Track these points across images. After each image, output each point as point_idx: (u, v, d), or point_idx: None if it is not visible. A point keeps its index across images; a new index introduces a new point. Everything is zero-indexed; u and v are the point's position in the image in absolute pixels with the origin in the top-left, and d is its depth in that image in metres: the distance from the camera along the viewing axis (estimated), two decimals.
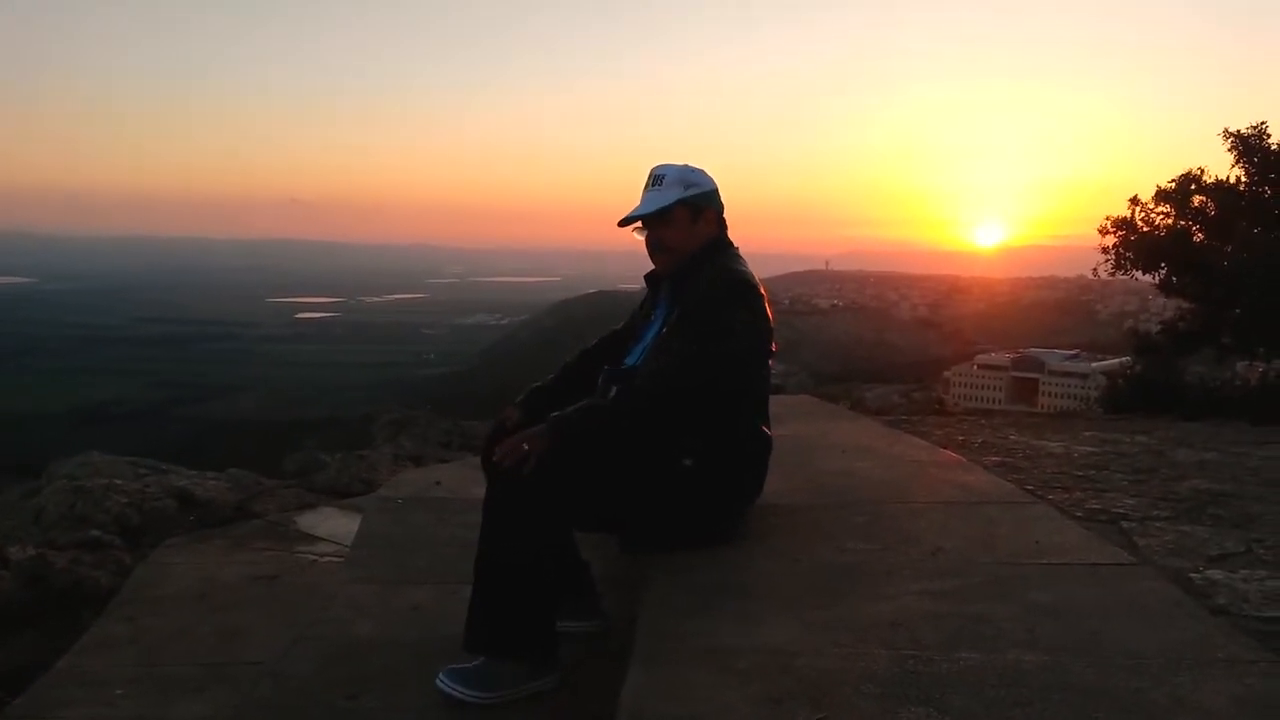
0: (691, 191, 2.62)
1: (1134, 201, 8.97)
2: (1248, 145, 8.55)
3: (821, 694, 1.73)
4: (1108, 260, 9.02)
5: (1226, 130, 8.71)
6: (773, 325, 2.66)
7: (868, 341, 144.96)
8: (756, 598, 2.21)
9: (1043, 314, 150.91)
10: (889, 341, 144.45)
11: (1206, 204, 8.82)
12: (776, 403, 5.69)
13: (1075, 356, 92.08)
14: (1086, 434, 4.37)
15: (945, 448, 3.95)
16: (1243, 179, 8.72)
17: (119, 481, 5.69)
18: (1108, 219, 8.96)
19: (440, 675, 2.37)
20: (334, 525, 5.19)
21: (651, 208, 2.60)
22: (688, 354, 2.42)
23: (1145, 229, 8.83)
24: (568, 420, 2.33)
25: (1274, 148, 8.56)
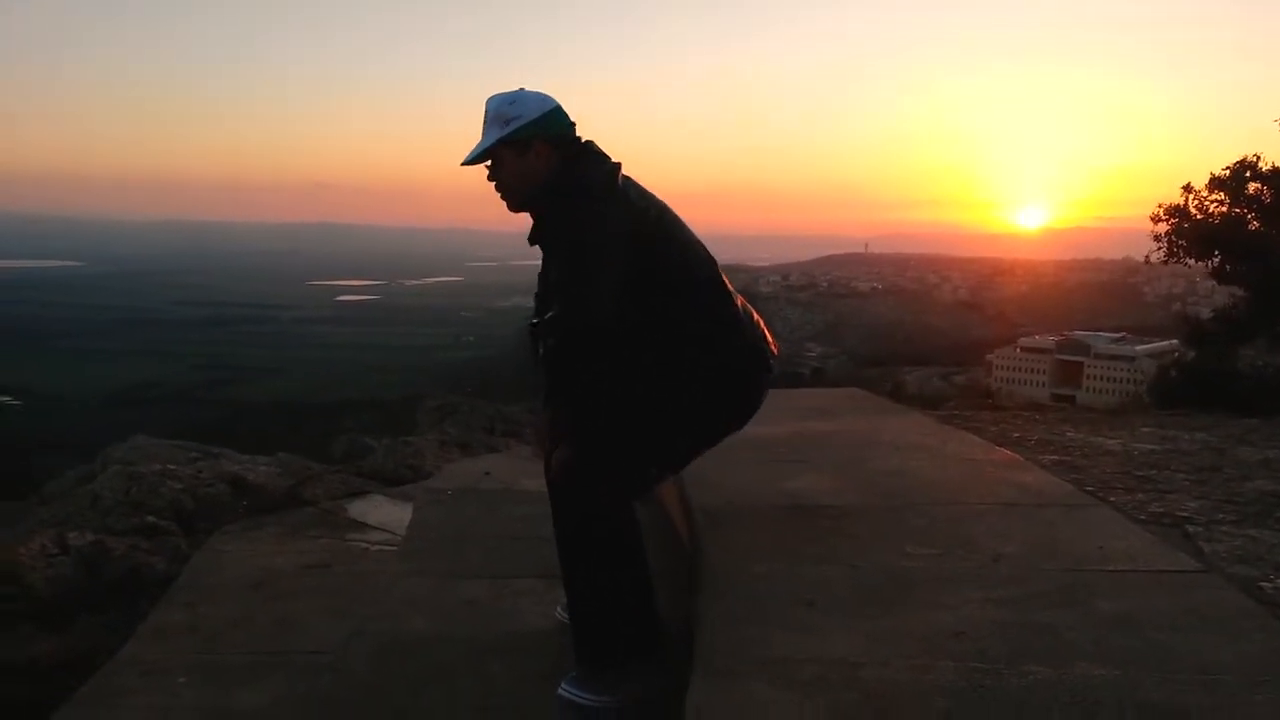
0: (511, 127, 2.41)
1: (1187, 189, 8.83)
2: None
3: (889, 707, 1.71)
4: (1160, 248, 8.88)
5: None
6: (631, 213, 2.38)
7: (908, 324, 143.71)
8: (817, 606, 2.19)
9: (1087, 296, 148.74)
10: (930, 324, 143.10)
11: (1262, 191, 8.64)
12: (824, 395, 5.69)
13: (1121, 339, 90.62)
14: (1144, 430, 4.29)
15: (1000, 445, 3.89)
16: None
17: (173, 467, 5.81)
18: (1160, 206, 8.82)
19: (562, 684, 2.38)
20: (384, 513, 5.27)
21: (474, 153, 2.47)
22: (559, 315, 2.26)
23: (1199, 216, 8.66)
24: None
25: None
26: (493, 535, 3.87)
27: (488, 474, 4.94)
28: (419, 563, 3.55)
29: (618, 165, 2.46)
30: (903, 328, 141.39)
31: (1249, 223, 8.75)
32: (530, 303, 2.59)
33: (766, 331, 2.58)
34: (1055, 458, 3.65)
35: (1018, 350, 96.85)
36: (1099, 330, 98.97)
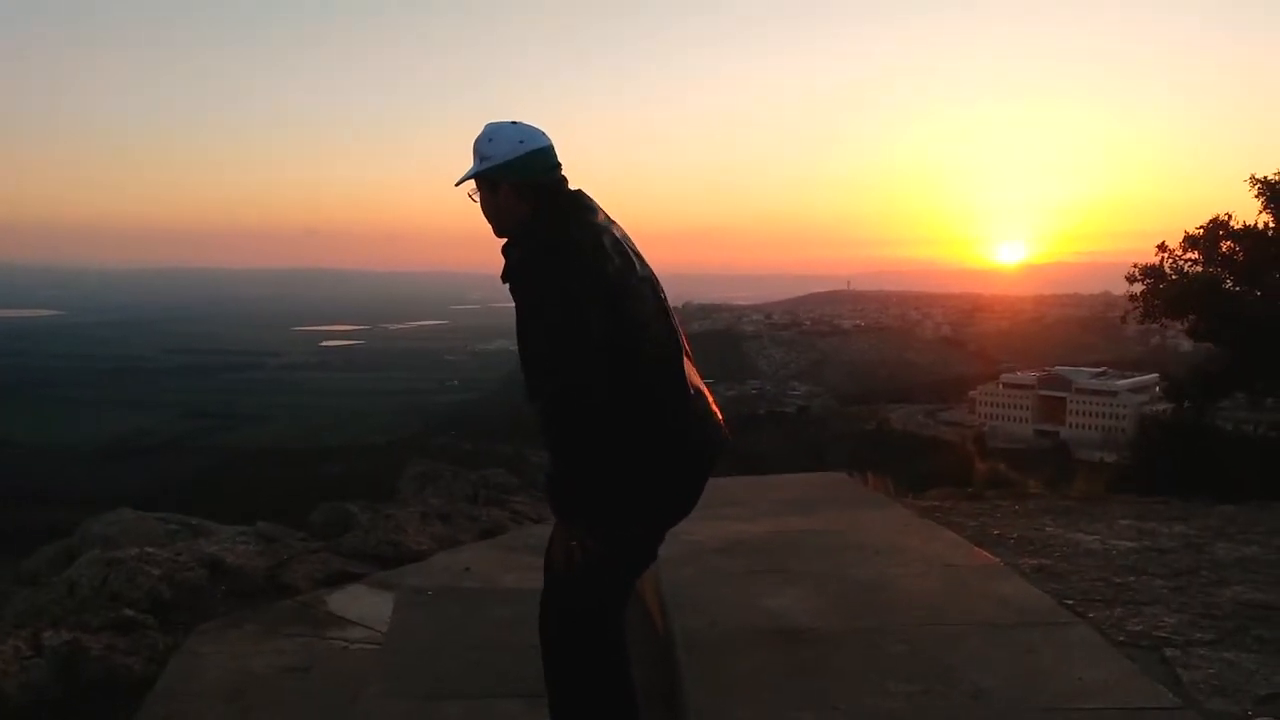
0: (482, 166, 2.37)
1: (1161, 248, 8.94)
2: (1275, 192, 8.48)
3: None
4: (1136, 308, 8.98)
5: (1254, 177, 8.66)
6: (591, 272, 2.26)
7: (890, 361, 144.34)
8: None
9: (1067, 331, 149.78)
10: (912, 361, 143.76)
11: (1235, 250, 8.76)
12: (803, 484, 5.67)
13: (1102, 374, 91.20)
14: (1123, 522, 4.30)
15: (980, 544, 3.90)
16: (1271, 225, 8.65)
17: (150, 550, 5.73)
18: (1135, 267, 8.94)
19: None
20: (364, 607, 5.19)
21: (460, 179, 2.43)
22: (544, 401, 2.20)
23: (1174, 276, 8.77)
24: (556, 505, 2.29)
25: None
26: (473, 645, 3.83)
27: (468, 570, 4.90)
28: (398, 680, 3.50)
29: (598, 226, 2.36)
30: (885, 365, 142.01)
31: (1223, 281, 8.85)
32: (515, 347, 2.45)
33: (716, 410, 2.48)
34: (1035, 561, 3.65)
35: (1000, 386, 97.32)
36: (1080, 365, 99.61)
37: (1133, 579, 3.44)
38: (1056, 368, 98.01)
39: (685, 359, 2.43)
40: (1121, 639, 2.87)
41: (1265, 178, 8.51)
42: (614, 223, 2.48)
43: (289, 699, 3.92)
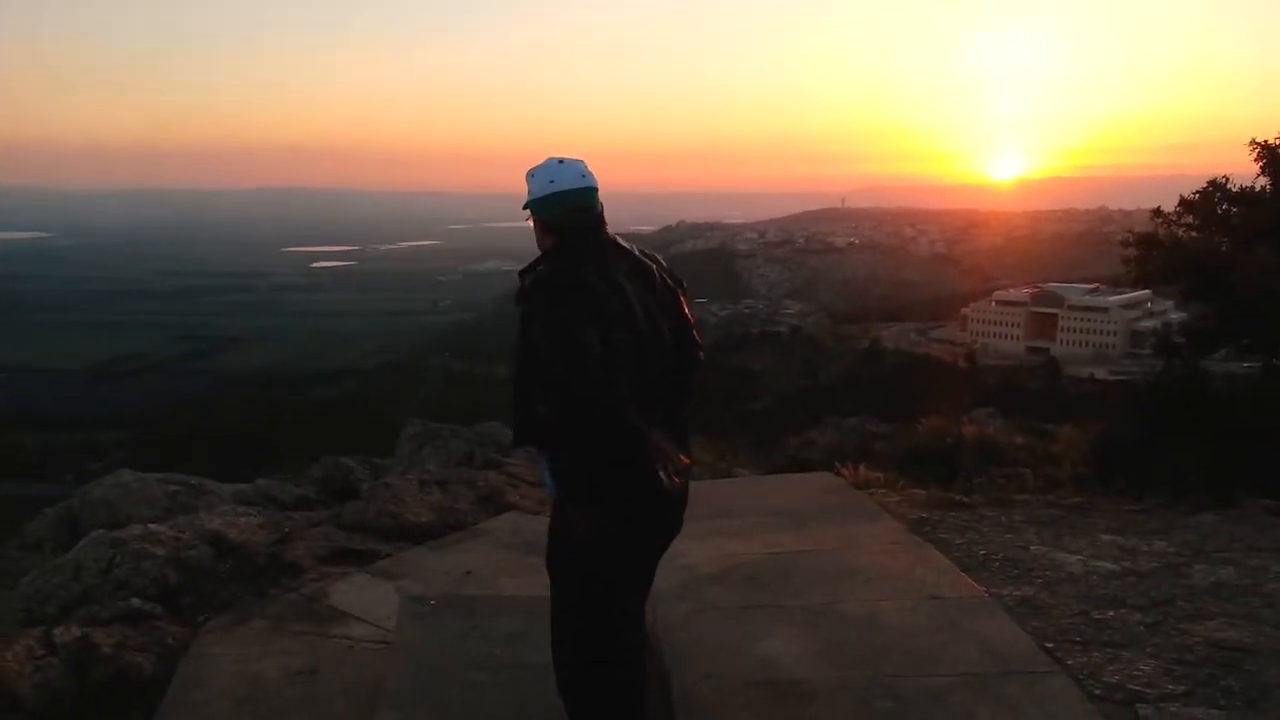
0: (528, 197, 2.60)
1: (1156, 213, 8.91)
2: (1275, 157, 8.41)
3: None
4: (1129, 272, 9.00)
5: (1254, 140, 8.56)
6: (571, 325, 2.37)
7: (884, 279, 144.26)
8: None
9: (1062, 247, 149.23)
10: (906, 279, 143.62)
11: (1230, 213, 8.72)
12: (795, 488, 5.75)
13: (1095, 291, 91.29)
14: (1105, 538, 4.41)
15: (967, 568, 4.02)
16: (1268, 189, 8.59)
17: (154, 528, 5.81)
18: (1130, 233, 8.92)
19: None
20: (367, 600, 5.30)
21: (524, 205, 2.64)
22: (556, 411, 2.40)
23: (1168, 245, 8.74)
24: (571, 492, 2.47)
25: None
26: (475, 665, 3.93)
27: (468, 574, 5.02)
28: (402, 711, 3.60)
29: (613, 282, 2.46)
30: (879, 282, 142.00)
31: (1220, 246, 8.81)
32: (508, 267, 2.61)
33: (670, 450, 2.56)
34: (1019, 593, 3.76)
35: (993, 304, 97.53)
36: (1073, 282, 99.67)
37: (1111, 613, 3.56)
38: (1049, 284, 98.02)
39: (653, 430, 2.48)
40: (1098, 691, 3.00)
41: (1265, 141, 8.42)
42: (644, 284, 2.56)
43: (297, 706, 4.05)
